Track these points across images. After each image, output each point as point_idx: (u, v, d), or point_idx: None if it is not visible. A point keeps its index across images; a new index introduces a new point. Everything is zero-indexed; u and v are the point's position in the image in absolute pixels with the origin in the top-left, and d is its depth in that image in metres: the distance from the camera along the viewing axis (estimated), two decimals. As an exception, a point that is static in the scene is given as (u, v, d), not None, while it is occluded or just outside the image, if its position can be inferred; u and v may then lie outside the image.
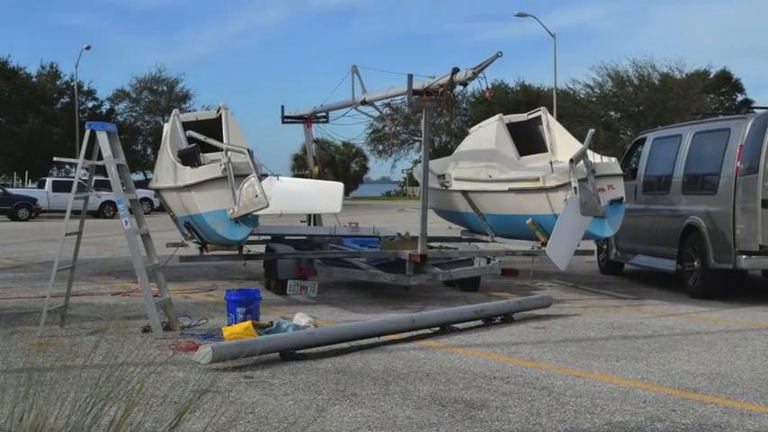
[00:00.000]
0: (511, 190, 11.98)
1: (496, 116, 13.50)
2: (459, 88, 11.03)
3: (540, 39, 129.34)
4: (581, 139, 12.06)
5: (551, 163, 11.36)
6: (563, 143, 12.62)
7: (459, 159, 13.97)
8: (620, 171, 11.13)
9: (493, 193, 12.49)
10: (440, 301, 10.93)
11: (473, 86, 10.92)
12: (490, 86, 10.96)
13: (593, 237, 11.28)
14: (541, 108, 13.67)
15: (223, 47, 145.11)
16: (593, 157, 10.80)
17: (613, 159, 11.39)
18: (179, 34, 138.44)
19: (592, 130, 11.09)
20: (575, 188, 10.29)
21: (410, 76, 11.03)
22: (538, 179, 11.36)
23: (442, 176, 13.73)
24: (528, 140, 12.95)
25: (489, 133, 13.23)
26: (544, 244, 10.96)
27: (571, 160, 10.49)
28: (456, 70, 10.55)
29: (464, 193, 13.16)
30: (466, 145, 14.49)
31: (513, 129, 13.05)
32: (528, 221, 11.36)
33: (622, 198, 10.77)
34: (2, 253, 18.86)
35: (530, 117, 13.39)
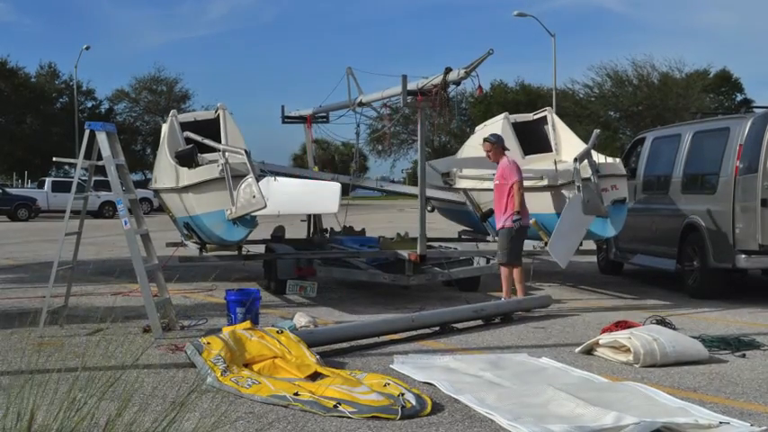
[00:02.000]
0: None
1: (502, 115, 13.51)
2: (452, 87, 11.02)
3: (579, 15, 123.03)
4: (583, 139, 12.09)
5: (555, 162, 11.38)
6: (568, 143, 12.63)
7: (464, 158, 13.99)
8: (624, 172, 11.15)
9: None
10: (440, 301, 10.93)
11: (472, 86, 10.87)
12: (482, 85, 10.95)
13: (596, 237, 11.29)
14: (547, 108, 13.72)
15: (228, 25, 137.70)
16: (598, 158, 10.81)
17: (618, 160, 11.42)
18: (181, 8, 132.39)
19: (597, 131, 11.11)
20: (578, 187, 10.31)
21: (404, 77, 11.04)
22: (542, 178, 11.39)
23: (446, 174, 13.74)
24: (533, 140, 12.97)
25: (494, 132, 13.22)
26: (547, 243, 10.97)
27: (575, 159, 10.52)
28: (449, 70, 10.55)
29: (467, 191, 13.18)
30: (471, 144, 14.51)
31: (518, 128, 13.07)
32: (531, 221, 11.37)
33: (625, 199, 10.79)
34: (2, 253, 18.86)
35: (535, 117, 13.41)
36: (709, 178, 11.49)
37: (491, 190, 12.66)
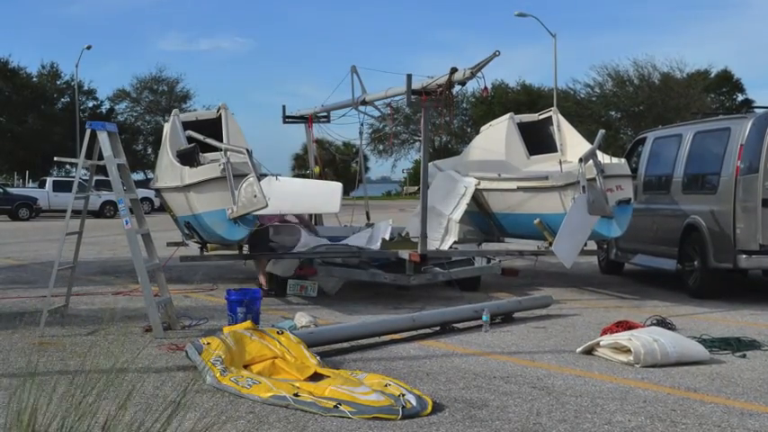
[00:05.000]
0: (519, 188, 12.02)
1: (507, 115, 13.53)
2: (457, 88, 11.04)
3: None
4: (588, 139, 12.09)
5: (560, 163, 11.40)
6: (573, 143, 12.66)
7: (469, 158, 14.02)
8: (629, 172, 11.17)
9: (501, 191, 12.53)
10: (440, 301, 10.93)
11: (473, 86, 10.94)
12: (488, 86, 10.96)
13: (601, 237, 11.31)
14: (552, 108, 13.75)
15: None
16: (603, 158, 10.83)
17: (623, 160, 11.43)
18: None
19: (602, 131, 11.11)
20: (583, 187, 10.32)
21: (409, 76, 11.05)
22: (547, 178, 11.40)
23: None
24: (538, 140, 12.99)
25: (500, 132, 13.27)
26: (551, 244, 10.98)
27: (580, 159, 10.54)
28: (454, 70, 10.56)
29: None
30: (476, 143, 14.55)
31: (523, 128, 13.10)
32: (536, 221, 11.38)
33: (630, 199, 10.80)
34: (2, 253, 18.86)
35: (540, 117, 13.44)
36: (710, 178, 11.49)
37: (498, 190, 12.72)
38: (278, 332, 7.13)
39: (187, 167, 10.57)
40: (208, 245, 11.17)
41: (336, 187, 11.79)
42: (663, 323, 8.66)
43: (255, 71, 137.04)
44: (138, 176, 58.32)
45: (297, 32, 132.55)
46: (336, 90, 14.24)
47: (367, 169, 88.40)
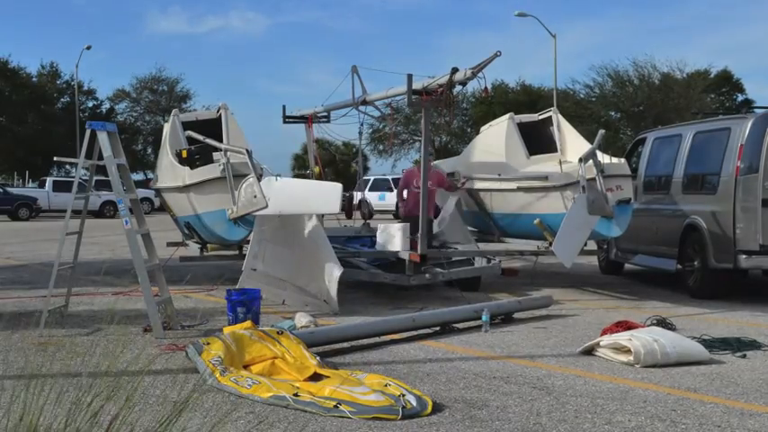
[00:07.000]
0: (519, 189, 12.03)
1: (507, 115, 13.54)
2: (458, 88, 11.06)
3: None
4: (587, 139, 12.10)
5: (560, 163, 11.41)
6: (573, 144, 12.66)
7: (469, 158, 14.02)
8: (629, 172, 11.18)
9: (501, 191, 12.54)
10: (440, 301, 10.93)
11: (474, 86, 10.97)
12: (489, 86, 10.98)
13: (601, 237, 11.32)
14: (552, 108, 13.76)
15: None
16: (603, 158, 10.84)
17: (622, 160, 11.44)
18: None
19: (602, 131, 11.14)
20: (582, 187, 10.33)
21: (410, 76, 11.05)
22: (546, 178, 11.41)
23: (451, 174, 13.78)
24: (538, 141, 13.00)
25: (499, 132, 13.28)
26: (551, 244, 10.98)
27: (580, 159, 10.54)
28: (455, 70, 10.57)
29: (472, 191, 13.19)
30: (476, 143, 14.55)
31: (523, 129, 13.11)
32: (536, 221, 11.39)
33: (630, 199, 10.81)
34: (2, 253, 18.86)
35: (540, 117, 13.44)
36: (710, 178, 11.49)
37: (497, 190, 12.72)
38: (278, 332, 7.13)
39: (187, 168, 10.58)
40: (208, 245, 11.17)
41: (336, 188, 11.80)
42: (663, 323, 8.67)
43: (264, 55, 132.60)
44: (138, 176, 58.32)
45: (313, 4, 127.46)
46: (338, 88, 14.29)
47: (367, 169, 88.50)
